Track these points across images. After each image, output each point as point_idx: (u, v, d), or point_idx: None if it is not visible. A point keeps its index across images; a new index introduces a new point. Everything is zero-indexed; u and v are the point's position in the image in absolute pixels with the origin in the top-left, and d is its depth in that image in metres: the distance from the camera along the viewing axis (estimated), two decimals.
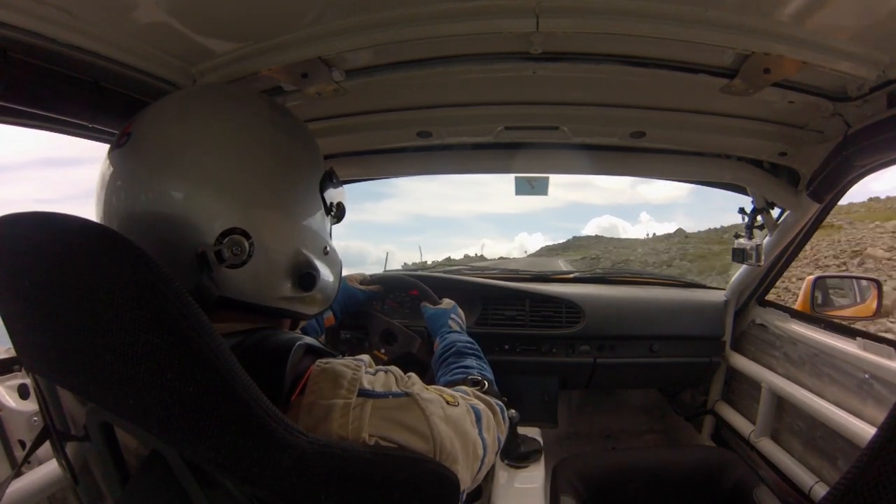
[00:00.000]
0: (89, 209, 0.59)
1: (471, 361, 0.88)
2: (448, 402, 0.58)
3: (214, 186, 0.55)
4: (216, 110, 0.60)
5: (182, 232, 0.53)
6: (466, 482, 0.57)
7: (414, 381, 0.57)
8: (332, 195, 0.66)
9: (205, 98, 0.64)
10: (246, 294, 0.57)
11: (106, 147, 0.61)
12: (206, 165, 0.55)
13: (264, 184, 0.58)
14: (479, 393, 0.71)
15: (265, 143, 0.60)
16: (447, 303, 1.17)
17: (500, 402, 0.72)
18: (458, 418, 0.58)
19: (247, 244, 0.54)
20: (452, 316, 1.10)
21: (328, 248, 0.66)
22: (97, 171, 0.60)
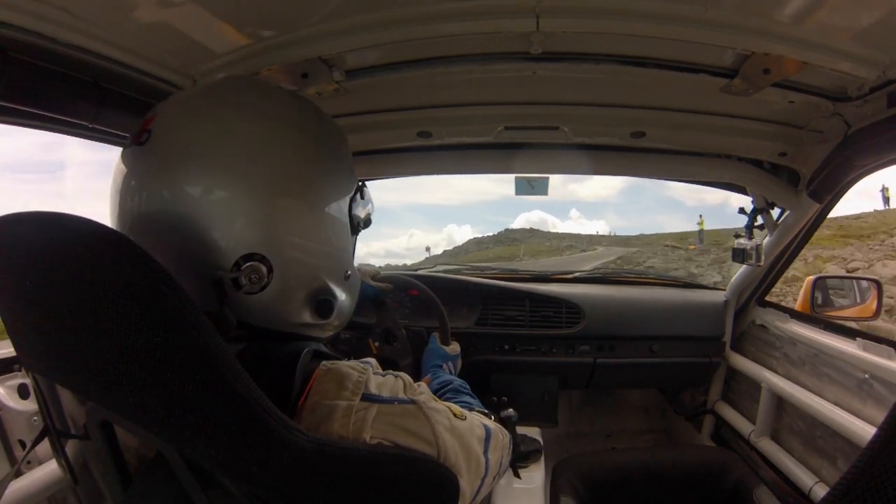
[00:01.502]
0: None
1: (468, 398, 0.87)
2: (455, 415, 0.57)
3: (238, 205, 0.52)
4: (245, 117, 0.55)
5: (204, 250, 0.51)
6: (466, 498, 0.56)
7: (423, 391, 0.56)
8: (361, 210, 0.63)
9: (231, 103, 0.58)
10: (259, 320, 0.55)
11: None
12: (231, 182, 0.52)
13: (292, 204, 0.55)
14: (491, 420, 0.72)
15: (298, 158, 0.56)
16: (453, 348, 1.18)
17: (510, 435, 0.74)
18: (464, 431, 0.57)
19: (265, 271, 0.52)
20: (450, 362, 1.12)
21: (349, 273, 0.62)
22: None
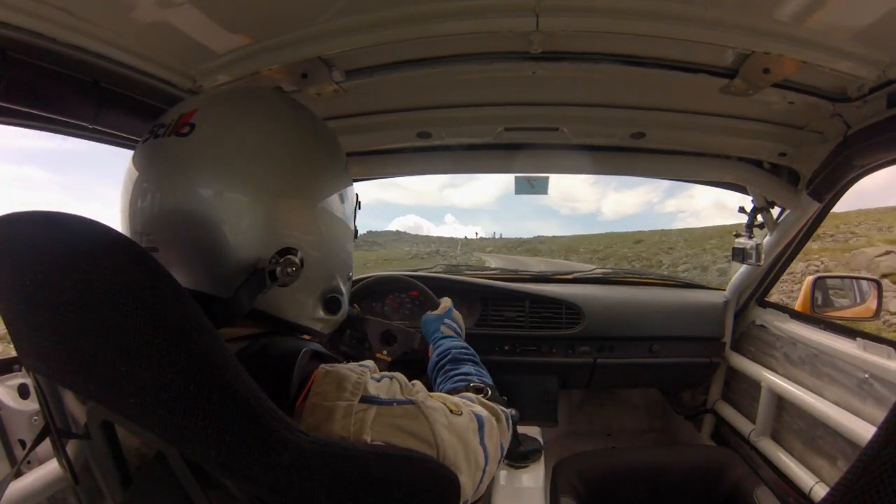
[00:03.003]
0: None
1: (469, 368, 0.86)
2: (451, 411, 0.57)
3: (281, 203, 0.56)
4: (292, 126, 0.60)
5: (233, 241, 0.53)
6: (468, 492, 0.57)
7: (418, 389, 0.56)
8: (357, 218, 0.69)
9: (281, 111, 0.62)
10: (277, 310, 0.59)
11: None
12: (276, 180, 0.56)
13: (324, 207, 0.60)
14: (483, 400, 0.71)
15: (332, 169, 0.62)
16: (444, 305, 1.15)
17: (504, 409, 0.72)
18: (462, 428, 0.57)
19: (300, 264, 0.56)
20: (446, 321, 1.08)
21: (351, 274, 0.68)
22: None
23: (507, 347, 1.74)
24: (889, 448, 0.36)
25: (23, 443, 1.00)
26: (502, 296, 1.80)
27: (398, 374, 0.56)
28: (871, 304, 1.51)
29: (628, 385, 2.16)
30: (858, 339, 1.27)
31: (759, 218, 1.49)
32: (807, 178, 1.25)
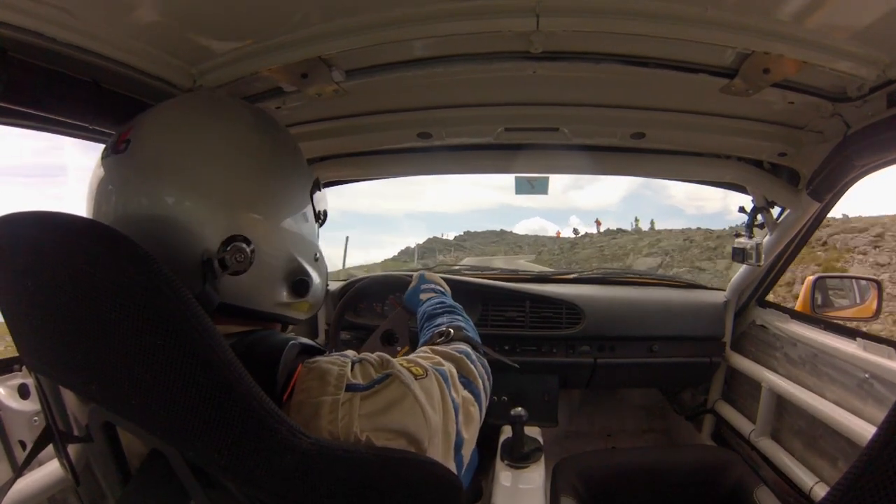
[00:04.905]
0: None
1: (441, 319, 0.86)
2: (417, 376, 0.57)
3: (217, 196, 0.56)
4: (217, 123, 0.61)
5: (186, 239, 0.54)
6: (467, 440, 0.59)
7: (388, 360, 0.56)
8: (319, 202, 0.69)
9: (204, 109, 0.64)
10: (245, 300, 0.59)
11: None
12: (209, 175, 0.56)
13: (263, 193, 0.60)
14: (438, 348, 0.70)
15: (264, 155, 0.62)
16: (415, 277, 1.10)
17: (463, 349, 0.70)
18: (431, 388, 0.57)
19: (248, 251, 0.56)
20: (422, 287, 1.05)
21: (318, 255, 0.68)
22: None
23: (507, 347, 1.74)
24: (889, 448, 0.36)
25: (23, 444, 1.00)
26: (503, 296, 1.80)
27: (367, 355, 0.56)
28: (872, 304, 1.51)
29: (628, 385, 2.16)
30: (858, 339, 1.27)
31: (759, 218, 1.49)
32: (807, 177, 1.25)
